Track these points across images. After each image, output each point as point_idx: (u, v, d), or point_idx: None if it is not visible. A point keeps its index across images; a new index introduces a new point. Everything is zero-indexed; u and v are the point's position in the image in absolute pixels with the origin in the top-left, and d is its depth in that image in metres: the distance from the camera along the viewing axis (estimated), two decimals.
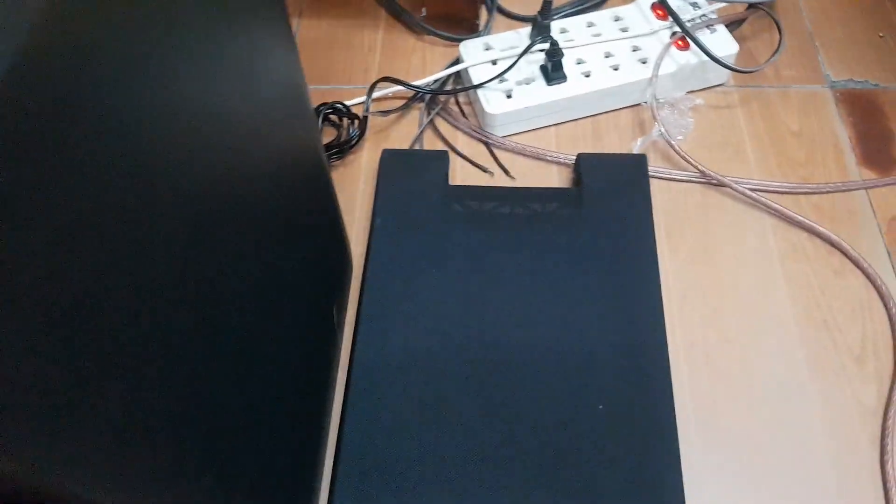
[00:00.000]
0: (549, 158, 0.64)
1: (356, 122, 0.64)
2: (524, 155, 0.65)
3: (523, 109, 0.64)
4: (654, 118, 0.64)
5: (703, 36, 0.67)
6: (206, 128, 0.29)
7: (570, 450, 0.45)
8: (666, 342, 0.49)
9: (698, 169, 0.62)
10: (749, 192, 0.60)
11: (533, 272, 0.52)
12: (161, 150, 0.25)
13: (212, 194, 0.30)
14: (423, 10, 0.73)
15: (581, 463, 0.44)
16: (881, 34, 0.72)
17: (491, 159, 0.64)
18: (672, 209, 0.60)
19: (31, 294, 0.18)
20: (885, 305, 0.55)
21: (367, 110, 0.64)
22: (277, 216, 0.39)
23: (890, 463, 0.48)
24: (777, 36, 0.70)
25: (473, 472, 0.44)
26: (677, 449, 0.45)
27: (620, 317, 0.50)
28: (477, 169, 0.63)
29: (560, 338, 0.49)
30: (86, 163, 0.20)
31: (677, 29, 0.67)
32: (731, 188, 0.61)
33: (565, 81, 0.65)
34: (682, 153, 0.62)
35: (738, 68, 0.66)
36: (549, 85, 0.65)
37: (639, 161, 0.59)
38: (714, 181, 0.61)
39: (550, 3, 0.65)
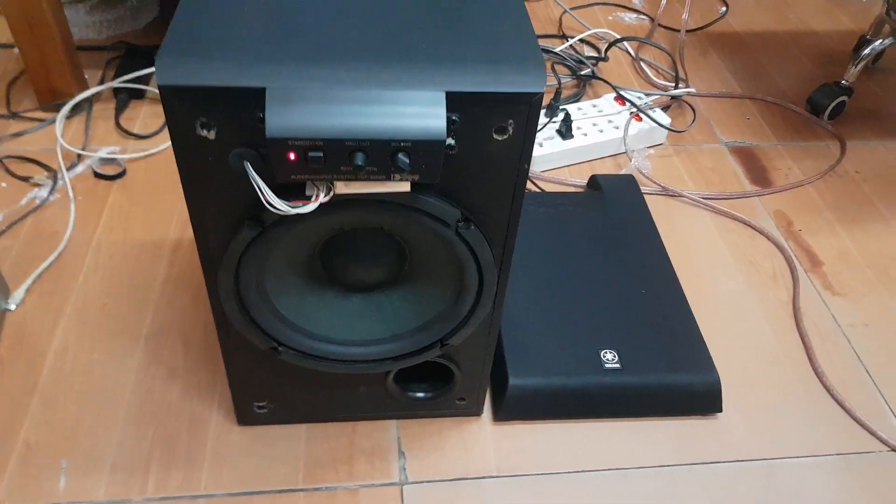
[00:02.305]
0: (568, 182, 1.00)
1: None
2: (552, 181, 1.01)
3: (549, 153, 1.01)
4: (629, 159, 1.03)
5: (649, 113, 1.08)
6: None
7: (628, 314, 0.76)
8: (674, 272, 0.83)
9: (661, 186, 1.00)
10: (694, 198, 0.99)
11: (587, 235, 0.86)
12: None
13: None
14: None
15: (636, 322, 0.76)
16: (748, 117, 1.17)
17: (531, 185, 0.99)
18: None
19: None
20: (781, 252, 0.93)
21: None
22: None
23: (802, 323, 0.83)
24: (691, 116, 1.14)
25: (576, 326, 0.75)
26: (695, 321, 0.78)
27: (647, 260, 0.84)
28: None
29: (613, 268, 0.82)
30: None
31: (633, 109, 1.08)
32: (684, 196, 0.99)
33: (573, 138, 1.03)
34: (650, 177, 1.01)
35: (674, 129, 1.08)
36: (563, 140, 1.03)
37: (630, 178, 0.96)
38: (673, 193, 1.00)
39: (560, 93, 1.04)
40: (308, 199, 0.47)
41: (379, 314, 0.61)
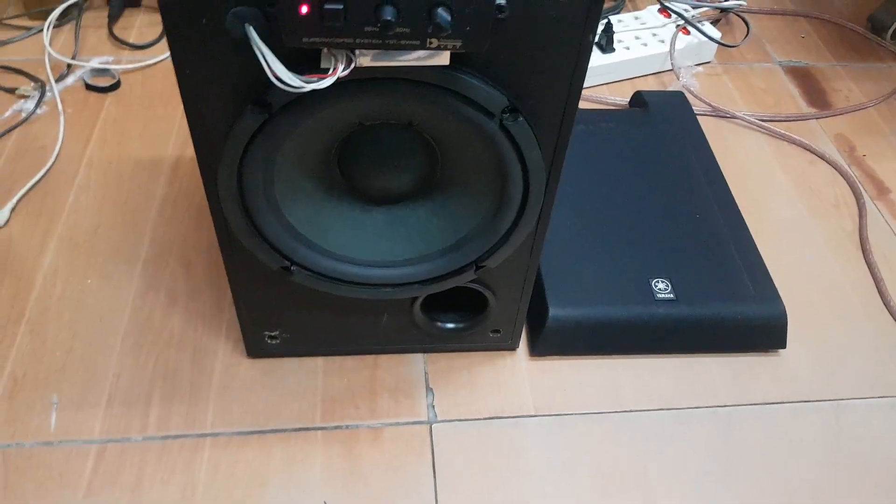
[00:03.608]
0: (608, 101, 0.91)
1: None
2: (590, 101, 0.91)
3: (589, 68, 0.91)
4: (676, 76, 0.93)
5: (698, 26, 0.98)
6: None
7: (682, 239, 0.68)
8: (731, 195, 0.74)
9: (712, 106, 0.90)
10: (748, 119, 0.89)
11: (633, 155, 0.77)
12: None
13: None
14: None
15: (691, 248, 0.68)
16: (803, 35, 1.06)
17: None
18: None
19: None
20: (844, 177, 0.84)
21: None
22: None
23: (870, 254, 0.75)
24: (741, 33, 1.03)
25: (624, 253, 0.66)
26: (756, 248, 0.69)
27: (701, 181, 0.75)
28: None
29: (663, 191, 0.73)
30: None
31: (680, 21, 0.97)
32: (738, 118, 0.90)
33: (614, 52, 0.93)
34: (701, 96, 0.91)
35: (726, 43, 0.97)
36: (603, 53, 0.93)
37: (679, 94, 0.87)
38: (725, 114, 0.90)
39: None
40: (324, 72, 0.38)
41: (405, 231, 0.53)
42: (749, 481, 0.58)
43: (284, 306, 0.56)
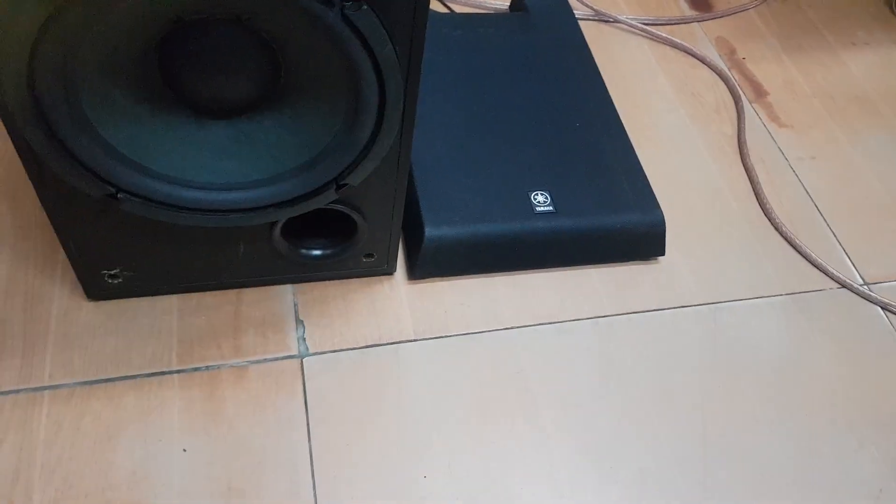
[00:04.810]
0: (486, 5, 0.86)
1: None
2: (468, 5, 0.86)
3: None
4: None
5: None
6: None
7: (562, 150, 0.66)
8: (612, 102, 0.72)
9: (594, 10, 0.87)
10: (630, 23, 0.87)
11: (511, 62, 0.73)
12: None
13: None
14: None
15: (570, 159, 0.65)
16: None
17: (442, 7, 0.84)
18: None
19: None
20: (725, 82, 0.83)
21: None
22: None
23: (747, 157, 0.75)
24: None
25: (501, 166, 0.63)
26: (636, 156, 0.68)
27: (581, 89, 0.72)
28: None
29: (543, 99, 0.70)
30: None
31: None
32: (620, 22, 0.87)
33: None
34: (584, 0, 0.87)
35: None
36: None
37: None
38: (607, 18, 0.87)
39: None
40: None
41: (252, 148, 0.47)
42: (630, 388, 0.57)
43: (120, 240, 0.50)
